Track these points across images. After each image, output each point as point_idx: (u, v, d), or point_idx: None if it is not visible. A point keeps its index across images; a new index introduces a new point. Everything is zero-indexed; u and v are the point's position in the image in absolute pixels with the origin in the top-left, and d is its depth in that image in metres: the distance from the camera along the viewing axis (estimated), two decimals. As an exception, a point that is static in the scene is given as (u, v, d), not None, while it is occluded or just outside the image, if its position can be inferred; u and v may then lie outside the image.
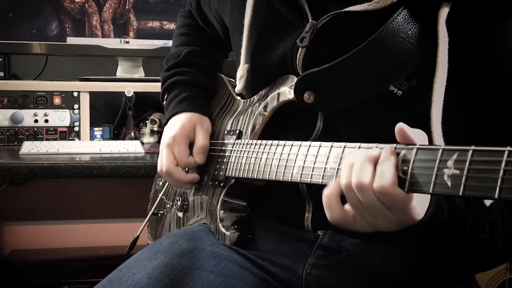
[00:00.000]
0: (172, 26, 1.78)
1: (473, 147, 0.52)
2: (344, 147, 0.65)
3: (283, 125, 0.86)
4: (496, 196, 0.49)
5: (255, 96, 0.93)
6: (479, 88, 0.73)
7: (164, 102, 1.09)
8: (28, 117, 1.62)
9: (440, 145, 0.56)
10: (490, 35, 0.71)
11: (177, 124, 0.99)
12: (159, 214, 1.16)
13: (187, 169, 1.03)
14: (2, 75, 1.71)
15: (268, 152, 0.79)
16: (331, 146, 0.68)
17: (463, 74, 0.72)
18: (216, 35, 1.14)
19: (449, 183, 0.53)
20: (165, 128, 1.02)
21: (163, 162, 0.98)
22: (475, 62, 0.72)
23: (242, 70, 0.91)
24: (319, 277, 0.85)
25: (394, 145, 0.61)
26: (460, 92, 0.72)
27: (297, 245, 0.86)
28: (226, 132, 0.98)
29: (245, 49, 0.90)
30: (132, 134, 1.75)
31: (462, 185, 0.52)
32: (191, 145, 0.99)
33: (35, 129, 1.63)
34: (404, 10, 0.72)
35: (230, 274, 0.83)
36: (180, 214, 1.07)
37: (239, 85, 0.92)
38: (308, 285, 0.85)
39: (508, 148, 0.49)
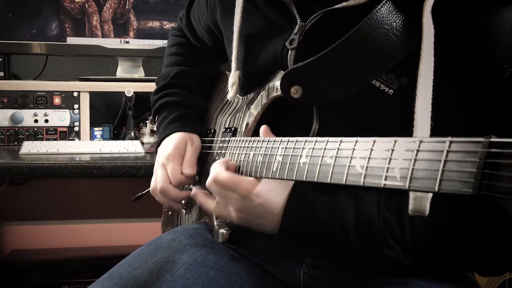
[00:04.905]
0: (172, 26, 1.78)
1: (420, 138, 0.51)
2: (327, 141, 0.63)
3: (280, 126, 0.86)
4: (436, 189, 0.47)
5: (251, 93, 0.93)
6: (469, 80, 0.72)
7: (155, 124, 1.12)
8: (28, 117, 1.62)
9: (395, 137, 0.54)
10: (477, 25, 0.70)
11: (170, 144, 1.01)
12: (170, 212, 1.18)
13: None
14: (2, 75, 1.71)
15: (256, 148, 0.79)
16: (315, 141, 0.66)
17: (453, 66, 0.71)
18: (207, 50, 1.16)
19: (398, 177, 0.52)
20: (159, 149, 1.04)
21: (158, 180, 0.99)
22: (463, 52, 0.71)
23: (233, 77, 0.92)
24: (317, 276, 0.85)
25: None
26: (453, 86, 0.72)
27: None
28: (224, 129, 0.99)
29: (236, 56, 0.90)
30: (132, 134, 1.75)
31: (408, 178, 0.50)
32: None
33: (35, 129, 1.63)
34: (388, 2, 0.71)
35: (230, 271, 0.83)
36: (184, 212, 1.08)
37: (231, 92, 0.92)
38: (306, 284, 0.85)
39: (449, 138, 0.47)
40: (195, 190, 0.92)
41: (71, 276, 1.83)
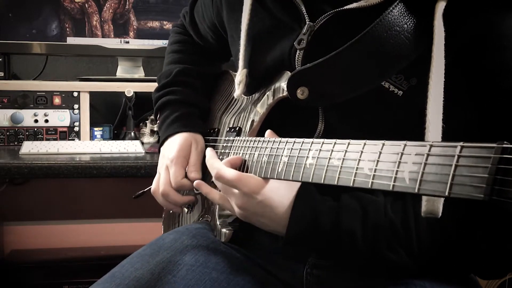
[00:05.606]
0: (174, 23, 1.78)
1: (430, 142, 0.51)
2: (335, 143, 0.63)
3: (285, 126, 0.86)
4: (446, 194, 0.47)
5: (256, 93, 0.93)
6: (475, 81, 0.72)
7: (158, 121, 1.12)
8: (28, 117, 1.62)
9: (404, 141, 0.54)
10: (486, 27, 0.70)
11: (174, 145, 1.00)
12: (171, 211, 1.17)
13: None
14: (2, 75, 1.71)
15: (261, 148, 0.79)
16: (322, 143, 0.66)
17: (459, 67, 0.71)
18: (210, 48, 1.15)
19: (407, 180, 0.51)
20: (162, 149, 1.04)
21: (160, 183, 0.99)
22: (471, 54, 0.71)
23: (241, 75, 0.91)
24: (319, 277, 0.85)
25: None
26: (459, 87, 0.72)
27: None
28: (228, 129, 0.99)
29: (243, 54, 0.90)
30: (132, 134, 1.75)
31: (418, 181, 0.50)
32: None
33: (35, 129, 1.63)
34: (400, 4, 0.71)
35: (232, 272, 0.83)
36: (186, 211, 1.08)
37: (238, 91, 0.92)
38: (309, 285, 0.85)
39: (461, 143, 0.47)
40: (198, 180, 0.92)
41: (71, 276, 1.82)
